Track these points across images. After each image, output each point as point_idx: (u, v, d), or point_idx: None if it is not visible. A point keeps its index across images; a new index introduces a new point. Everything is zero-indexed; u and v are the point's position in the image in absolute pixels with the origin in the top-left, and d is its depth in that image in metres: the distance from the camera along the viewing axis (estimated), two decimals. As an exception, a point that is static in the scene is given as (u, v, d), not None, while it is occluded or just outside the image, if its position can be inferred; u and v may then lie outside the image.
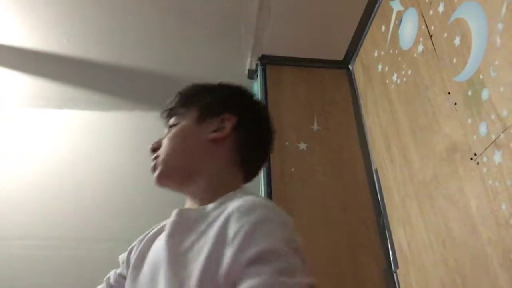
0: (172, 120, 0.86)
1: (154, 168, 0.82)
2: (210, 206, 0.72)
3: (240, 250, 0.59)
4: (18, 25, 1.76)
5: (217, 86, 0.89)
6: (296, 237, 0.66)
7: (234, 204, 0.67)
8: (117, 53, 1.95)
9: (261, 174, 1.72)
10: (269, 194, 1.65)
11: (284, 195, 1.67)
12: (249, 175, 0.87)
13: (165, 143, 0.83)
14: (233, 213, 0.65)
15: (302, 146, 1.80)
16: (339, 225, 1.63)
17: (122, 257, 0.84)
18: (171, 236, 0.68)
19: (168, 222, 0.72)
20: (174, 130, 0.84)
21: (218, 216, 0.67)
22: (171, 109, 0.88)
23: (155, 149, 0.84)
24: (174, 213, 0.73)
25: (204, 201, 0.76)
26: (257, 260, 0.58)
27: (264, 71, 2.00)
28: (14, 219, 1.87)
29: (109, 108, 2.25)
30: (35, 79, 2.06)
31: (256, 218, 0.63)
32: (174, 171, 0.81)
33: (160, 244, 0.71)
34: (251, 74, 2.06)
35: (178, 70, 2.07)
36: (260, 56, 1.99)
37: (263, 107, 0.95)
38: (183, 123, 0.84)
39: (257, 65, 2.02)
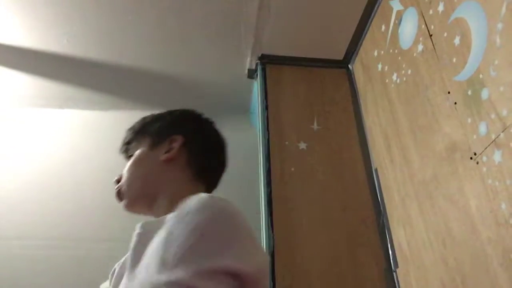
0: (129, 153, 0.94)
1: (120, 199, 0.90)
2: (170, 215, 0.72)
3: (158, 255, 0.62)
4: (18, 24, 1.76)
5: (164, 113, 0.99)
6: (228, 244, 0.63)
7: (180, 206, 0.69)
8: (117, 53, 1.95)
9: (261, 174, 1.73)
10: (269, 194, 1.65)
11: (284, 194, 1.67)
12: (210, 185, 0.96)
13: (125, 174, 0.90)
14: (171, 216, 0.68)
15: (302, 145, 1.80)
16: (339, 224, 1.63)
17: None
18: (134, 249, 0.70)
19: (132, 236, 0.75)
20: (131, 160, 0.91)
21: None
22: (127, 144, 0.96)
23: (118, 180, 0.91)
24: (137, 226, 0.76)
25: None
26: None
27: (264, 70, 2.00)
28: (13, 218, 1.87)
29: (108, 108, 2.25)
30: (35, 79, 2.06)
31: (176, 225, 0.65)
32: (137, 197, 0.88)
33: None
34: (251, 74, 2.06)
35: (177, 70, 2.07)
36: (260, 55, 1.99)
37: (206, 122, 1.03)
38: (138, 152, 0.92)
39: (257, 64, 2.02)
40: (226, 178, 2.07)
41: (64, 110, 2.24)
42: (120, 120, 2.22)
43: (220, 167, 1.00)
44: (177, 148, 0.89)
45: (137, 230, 0.75)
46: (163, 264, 0.58)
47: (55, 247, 1.79)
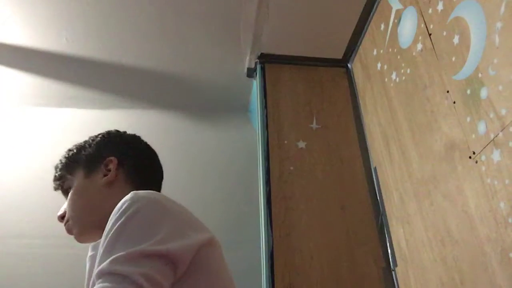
0: (65, 189, 0.94)
1: (70, 233, 0.90)
2: None
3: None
4: (17, 23, 1.76)
5: (87, 140, 0.99)
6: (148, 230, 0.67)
7: None
8: (117, 52, 1.94)
9: (260, 173, 1.73)
10: (268, 193, 1.66)
11: (283, 193, 1.67)
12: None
13: (67, 208, 0.91)
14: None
15: (301, 144, 1.80)
16: (338, 223, 1.63)
17: None
18: (89, 273, 0.77)
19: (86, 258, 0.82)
20: (70, 194, 0.91)
21: None
22: (59, 180, 0.95)
23: (62, 216, 0.92)
24: (89, 249, 0.82)
25: None
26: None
27: (263, 69, 2.00)
28: (12, 217, 1.87)
29: (108, 107, 2.25)
30: (34, 78, 2.05)
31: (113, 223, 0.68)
32: (86, 227, 0.89)
33: None
34: (250, 73, 2.06)
35: (177, 69, 2.07)
36: (259, 54, 1.99)
37: (132, 137, 1.03)
38: (75, 184, 0.91)
39: (256, 63, 2.02)
40: (225, 177, 2.09)
41: (64, 109, 2.24)
42: (120, 119, 2.23)
43: (158, 174, 1.00)
44: (114, 169, 0.90)
45: (89, 253, 0.82)
46: (96, 264, 0.64)
47: (53, 246, 1.78)
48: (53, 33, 1.81)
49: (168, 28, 1.83)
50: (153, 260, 0.61)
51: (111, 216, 0.70)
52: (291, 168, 1.73)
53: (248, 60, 2.02)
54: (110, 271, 0.59)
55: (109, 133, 0.99)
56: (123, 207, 0.69)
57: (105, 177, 0.89)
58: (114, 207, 0.84)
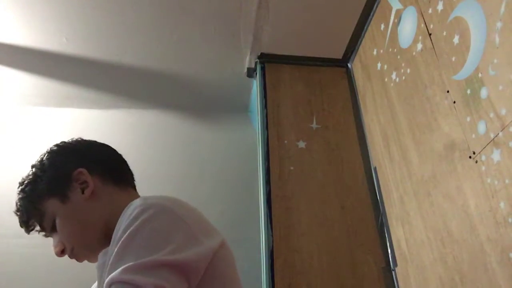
0: (48, 227, 0.86)
1: (81, 259, 0.86)
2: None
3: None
4: (17, 23, 1.76)
5: (35, 169, 0.91)
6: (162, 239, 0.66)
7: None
8: (116, 52, 1.94)
9: (260, 173, 1.73)
10: (268, 193, 1.66)
11: (283, 193, 1.67)
12: (131, 182, 0.94)
13: (64, 239, 0.85)
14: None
15: (301, 144, 1.80)
16: (338, 223, 1.63)
17: None
18: (100, 282, 0.74)
19: (95, 267, 0.79)
20: (57, 225, 0.84)
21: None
22: (30, 223, 0.89)
23: (63, 250, 0.86)
24: (99, 257, 0.78)
25: None
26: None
27: (263, 69, 2.00)
28: (12, 217, 1.86)
29: (108, 106, 2.24)
30: (34, 77, 2.05)
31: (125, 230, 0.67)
32: (95, 244, 0.84)
33: None
34: (250, 73, 2.06)
35: (177, 68, 2.07)
36: (259, 54, 1.99)
37: (78, 141, 0.97)
38: (58, 214, 0.85)
39: (256, 63, 2.02)
40: (226, 177, 2.09)
41: (64, 109, 2.24)
42: (120, 119, 2.23)
43: (122, 160, 0.96)
44: (89, 178, 0.85)
45: (98, 261, 0.78)
46: (106, 272, 0.62)
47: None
48: (53, 33, 1.81)
49: (168, 28, 1.83)
50: (165, 270, 0.60)
51: (119, 222, 0.69)
52: (291, 168, 1.73)
53: (248, 60, 2.02)
54: (121, 280, 0.58)
55: (52, 151, 0.92)
56: (134, 213, 0.67)
57: (86, 190, 0.85)
58: (110, 212, 0.83)
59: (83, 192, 0.84)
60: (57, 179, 0.86)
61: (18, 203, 0.91)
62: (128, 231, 0.64)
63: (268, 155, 1.75)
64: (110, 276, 0.59)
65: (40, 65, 1.98)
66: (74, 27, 1.79)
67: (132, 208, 0.69)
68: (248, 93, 2.22)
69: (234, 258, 0.76)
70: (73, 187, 0.85)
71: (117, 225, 0.70)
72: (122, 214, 0.71)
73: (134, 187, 0.94)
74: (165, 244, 0.63)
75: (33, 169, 0.91)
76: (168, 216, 0.68)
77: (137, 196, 0.90)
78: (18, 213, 0.91)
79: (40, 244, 1.85)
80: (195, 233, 0.68)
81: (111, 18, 1.76)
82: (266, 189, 1.66)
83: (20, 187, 0.91)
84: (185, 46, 1.93)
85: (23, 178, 0.91)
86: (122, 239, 0.64)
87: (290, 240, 1.57)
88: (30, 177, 0.90)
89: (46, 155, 0.91)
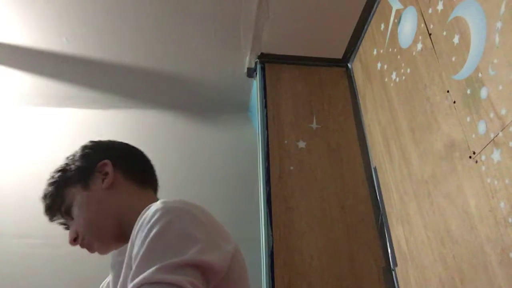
0: (64, 212, 0.91)
1: (91, 249, 0.89)
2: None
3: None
4: (17, 23, 1.76)
5: (69, 160, 0.95)
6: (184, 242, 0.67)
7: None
8: (116, 51, 1.94)
9: (260, 173, 1.73)
10: (268, 193, 1.66)
11: (283, 193, 1.67)
12: (154, 185, 0.98)
13: (78, 227, 0.88)
14: (135, 228, 0.72)
15: (301, 144, 1.80)
16: (338, 223, 1.63)
17: None
18: (114, 282, 0.76)
19: (110, 266, 0.81)
20: (74, 212, 0.88)
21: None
22: (54, 209, 0.92)
23: (75, 238, 0.89)
24: (111, 257, 0.82)
25: None
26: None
27: (263, 69, 2.00)
28: (13, 217, 1.87)
29: (108, 106, 2.25)
30: (34, 77, 2.05)
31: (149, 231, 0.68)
32: (106, 236, 0.87)
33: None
34: (250, 73, 2.06)
35: (177, 68, 2.07)
36: (259, 54, 1.99)
37: (111, 141, 1.01)
38: (76, 201, 0.89)
39: (256, 63, 2.02)
40: (226, 177, 2.09)
41: (64, 109, 2.24)
42: (120, 119, 2.23)
43: (150, 165, 1.00)
44: (111, 170, 0.89)
45: (112, 260, 0.81)
46: (132, 274, 0.62)
47: (53, 246, 1.78)
48: (53, 33, 1.81)
49: (168, 28, 1.83)
50: (194, 270, 0.62)
51: (139, 223, 0.70)
52: (291, 168, 1.73)
53: (248, 60, 2.02)
54: (158, 280, 0.58)
55: (86, 146, 0.97)
56: (156, 216, 0.68)
57: (105, 180, 0.88)
58: (126, 208, 0.86)
59: (102, 183, 0.88)
60: (83, 169, 0.91)
61: (46, 188, 0.95)
62: (152, 234, 0.65)
63: (268, 155, 1.75)
64: (142, 277, 0.59)
65: (41, 65, 1.98)
66: (74, 27, 1.79)
67: (154, 211, 0.69)
68: (248, 93, 2.22)
69: (246, 263, 0.78)
70: (96, 176, 0.90)
71: (136, 225, 0.71)
72: (141, 215, 0.72)
73: (155, 191, 0.97)
74: (191, 245, 0.64)
75: (66, 160, 0.96)
76: (190, 218, 0.69)
77: (156, 200, 0.91)
78: (44, 198, 0.94)
79: (40, 244, 1.87)
80: (213, 236, 0.70)
81: (111, 18, 1.76)
82: (266, 189, 1.66)
83: (51, 174, 0.95)
84: (185, 46, 1.93)
85: (55, 169, 0.96)
86: (147, 241, 0.64)
87: (290, 240, 1.57)
88: (61, 167, 0.95)
89: (79, 150, 0.96)
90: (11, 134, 2.14)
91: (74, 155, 0.95)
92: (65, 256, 1.75)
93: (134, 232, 0.71)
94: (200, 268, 0.63)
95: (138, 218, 0.72)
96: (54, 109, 2.23)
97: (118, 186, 0.89)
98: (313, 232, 1.60)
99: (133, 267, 0.63)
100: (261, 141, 1.79)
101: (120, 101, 2.24)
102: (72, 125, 2.20)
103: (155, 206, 0.71)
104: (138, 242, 0.66)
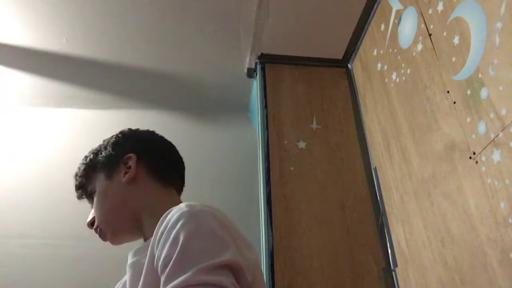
0: (89, 194, 0.92)
1: (104, 238, 0.89)
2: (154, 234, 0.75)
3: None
4: (17, 23, 1.76)
5: (101, 144, 0.97)
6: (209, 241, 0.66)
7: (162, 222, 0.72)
8: (116, 52, 1.94)
9: (260, 173, 1.73)
10: (268, 193, 1.66)
11: (283, 193, 1.67)
12: (179, 185, 0.97)
13: (96, 213, 0.89)
14: (158, 230, 0.70)
15: (301, 144, 1.80)
16: (338, 223, 1.63)
17: None
18: (131, 281, 0.75)
19: (127, 266, 0.80)
20: (94, 199, 0.90)
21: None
22: (81, 188, 0.94)
23: (92, 223, 0.90)
24: (129, 256, 0.80)
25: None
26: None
27: (263, 69, 2.00)
28: (13, 217, 1.86)
29: (108, 107, 2.24)
30: (34, 78, 2.05)
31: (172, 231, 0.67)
32: (120, 229, 0.88)
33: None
34: (250, 73, 2.07)
35: (177, 69, 2.07)
36: (259, 54, 1.99)
37: (145, 132, 1.02)
38: (98, 188, 0.90)
39: (256, 63, 2.02)
40: (226, 177, 2.09)
41: (63, 109, 2.23)
42: (120, 119, 2.23)
43: (178, 164, 0.99)
44: (134, 165, 0.89)
45: (129, 260, 0.79)
46: (165, 276, 0.61)
47: (53, 246, 1.78)
48: (53, 33, 1.81)
49: (168, 28, 1.83)
50: (230, 271, 0.62)
51: (163, 224, 0.69)
52: (291, 168, 1.73)
53: (248, 60, 2.02)
54: (202, 282, 0.57)
55: (122, 132, 0.98)
56: (184, 218, 0.67)
57: (127, 175, 0.88)
58: (145, 205, 0.86)
59: (124, 176, 0.88)
60: (111, 157, 0.92)
61: (78, 168, 0.96)
62: (184, 236, 0.64)
63: (268, 155, 1.75)
64: (182, 279, 0.58)
65: (40, 65, 1.98)
66: (74, 27, 1.79)
67: (180, 213, 0.68)
68: (248, 93, 2.22)
69: (263, 276, 0.77)
70: (120, 168, 0.90)
71: (158, 226, 0.70)
72: (164, 216, 0.71)
73: (179, 192, 0.96)
74: (225, 247, 0.64)
75: (101, 143, 0.97)
76: (218, 222, 0.69)
77: (178, 201, 0.91)
78: (76, 177, 0.96)
79: (40, 244, 1.87)
80: (239, 243, 0.70)
81: (111, 18, 1.76)
82: (266, 189, 1.66)
83: (85, 156, 0.97)
84: (185, 47, 1.93)
85: (91, 149, 0.97)
86: (180, 243, 0.63)
87: (290, 240, 1.57)
88: (95, 150, 0.96)
89: (114, 136, 0.97)
90: (11, 134, 2.14)
91: (108, 140, 0.96)
92: (65, 256, 1.76)
93: (156, 234, 0.69)
94: (234, 270, 0.63)
95: (161, 219, 0.71)
96: (53, 109, 2.23)
97: (139, 182, 0.89)
98: (313, 232, 1.60)
99: (167, 270, 0.61)
100: (261, 141, 1.79)
101: (120, 101, 2.24)
102: (72, 125, 2.20)
103: (180, 208, 0.70)
104: (166, 245, 0.65)
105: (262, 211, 1.63)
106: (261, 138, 1.79)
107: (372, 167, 1.75)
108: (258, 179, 1.75)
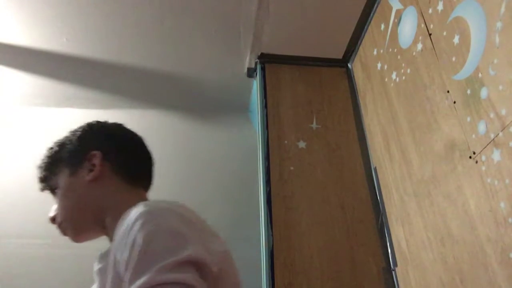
0: (53, 189, 0.89)
1: (65, 234, 0.86)
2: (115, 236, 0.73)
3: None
4: (17, 23, 1.76)
5: (67, 136, 0.93)
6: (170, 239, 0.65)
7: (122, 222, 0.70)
8: (116, 52, 1.95)
9: (260, 173, 1.73)
10: (268, 193, 1.66)
11: (283, 193, 1.67)
12: (145, 183, 0.92)
13: (58, 210, 0.86)
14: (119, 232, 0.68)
15: (301, 144, 1.80)
16: (338, 223, 1.63)
17: None
18: (100, 284, 0.74)
19: (93, 273, 0.78)
20: (58, 194, 0.87)
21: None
22: (44, 181, 0.91)
23: (54, 218, 0.87)
24: (94, 263, 0.78)
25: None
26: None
27: (263, 69, 2.00)
28: (13, 217, 1.87)
29: (108, 107, 2.25)
30: (34, 77, 2.05)
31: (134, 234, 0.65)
32: (81, 227, 0.85)
33: None
34: (251, 73, 2.06)
35: (177, 69, 2.07)
36: (259, 54, 1.99)
37: (113, 126, 0.97)
38: (61, 184, 0.87)
39: (256, 63, 2.02)
40: (226, 177, 2.09)
41: (64, 109, 2.24)
42: (119, 119, 2.21)
43: (146, 161, 0.94)
44: (99, 163, 0.85)
45: (95, 266, 0.77)
46: (129, 279, 0.60)
47: (53, 246, 1.78)
48: (53, 33, 1.81)
49: (168, 28, 1.83)
50: (192, 267, 0.61)
51: (124, 224, 0.67)
52: (291, 168, 1.73)
53: (248, 60, 2.02)
54: (162, 281, 0.56)
55: (90, 125, 0.94)
56: (142, 219, 0.65)
57: (91, 173, 0.85)
58: (109, 204, 0.83)
59: (88, 174, 0.85)
60: (76, 152, 0.88)
61: (42, 161, 0.93)
62: (143, 236, 0.62)
63: (268, 155, 1.75)
64: (143, 280, 0.57)
65: (40, 65, 1.98)
66: (74, 27, 1.79)
67: (138, 214, 0.66)
68: (248, 93, 2.22)
69: (236, 267, 0.75)
70: (84, 165, 0.86)
71: (118, 229, 0.68)
72: (122, 217, 0.69)
73: (146, 189, 0.92)
74: (186, 243, 0.62)
75: (67, 135, 0.93)
76: (177, 217, 0.67)
77: (144, 200, 0.87)
78: (39, 170, 0.93)
79: (40, 244, 1.87)
80: (203, 235, 0.68)
81: (111, 18, 1.76)
82: (266, 189, 1.66)
83: (50, 147, 0.93)
84: (185, 46, 1.93)
85: (56, 141, 0.94)
86: (140, 244, 0.61)
87: (290, 240, 1.57)
88: (61, 142, 0.93)
89: (81, 128, 0.94)
90: (11, 134, 2.14)
91: (75, 133, 0.93)
92: (65, 256, 1.76)
93: (117, 237, 0.67)
94: (197, 265, 0.61)
95: (120, 221, 0.69)
96: (53, 109, 2.23)
97: (104, 180, 0.85)
98: (313, 232, 1.60)
99: (128, 273, 0.60)
100: (261, 141, 1.79)
101: (120, 101, 2.24)
102: (72, 125, 2.18)
103: (137, 209, 0.68)
104: (126, 247, 0.63)
105: (262, 211, 1.63)
106: (261, 138, 1.79)
107: (372, 167, 1.75)
108: (258, 179, 1.75)
